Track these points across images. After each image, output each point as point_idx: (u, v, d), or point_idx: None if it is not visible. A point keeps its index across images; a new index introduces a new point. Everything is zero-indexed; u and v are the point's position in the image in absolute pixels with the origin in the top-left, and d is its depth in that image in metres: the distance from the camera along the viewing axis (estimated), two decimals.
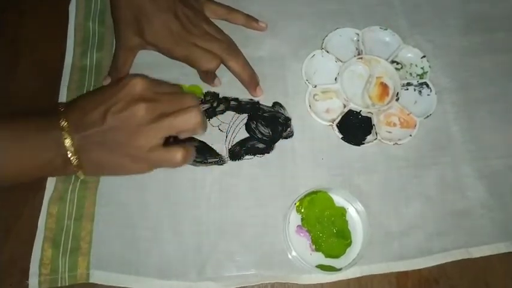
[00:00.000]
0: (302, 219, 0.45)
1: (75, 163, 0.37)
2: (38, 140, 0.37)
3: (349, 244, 0.44)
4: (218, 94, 0.50)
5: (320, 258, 0.44)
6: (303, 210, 0.45)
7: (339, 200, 0.46)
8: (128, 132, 0.37)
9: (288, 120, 0.49)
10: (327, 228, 0.44)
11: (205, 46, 0.48)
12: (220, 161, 0.47)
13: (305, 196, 0.45)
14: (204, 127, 0.40)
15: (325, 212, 0.44)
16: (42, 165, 0.38)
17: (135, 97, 0.37)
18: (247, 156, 0.48)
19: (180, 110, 0.38)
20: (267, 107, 0.50)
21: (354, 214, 0.45)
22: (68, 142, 0.36)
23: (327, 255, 0.44)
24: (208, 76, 0.50)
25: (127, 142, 0.37)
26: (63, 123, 0.36)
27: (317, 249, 0.44)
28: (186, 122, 0.38)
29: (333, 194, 0.46)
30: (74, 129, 0.36)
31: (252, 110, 0.50)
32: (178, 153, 0.38)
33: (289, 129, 0.49)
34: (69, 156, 0.37)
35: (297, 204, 0.45)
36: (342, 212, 0.45)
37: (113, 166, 0.39)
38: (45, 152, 0.37)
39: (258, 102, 0.50)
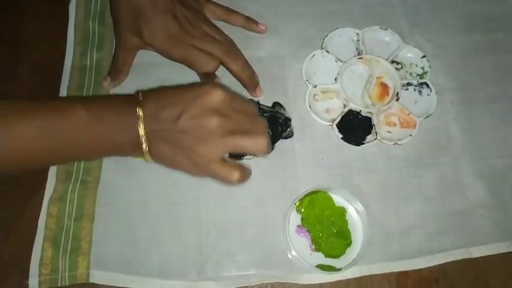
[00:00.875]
0: (302, 219, 0.45)
1: (145, 150, 0.39)
2: (114, 123, 0.38)
3: (349, 244, 0.44)
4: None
5: (320, 258, 0.44)
6: (303, 210, 0.45)
7: (339, 200, 0.46)
8: (195, 138, 0.38)
9: (288, 120, 0.49)
10: (326, 228, 0.44)
11: (204, 48, 0.48)
12: None
13: (305, 196, 0.45)
14: (267, 153, 0.41)
15: (325, 212, 0.44)
16: (113, 146, 0.39)
17: (212, 108, 0.38)
18: (247, 156, 0.48)
19: (249, 132, 0.39)
20: (267, 107, 0.50)
21: (354, 214, 0.45)
22: (141, 130, 0.38)
23: (327, 255, 0.44)
24: (208, 77, 0.50)
25: (192, 147, 0.38)
26: (140, 112, 0.38)
27: (317, 249, 0.44)
28: (252, 146, 0.39)
29: (333, 194, 0.46)
30: (148, 120, 0.38)
31: None
32: (235, 173, 0.39)
33: (289, 129, 0.49)
34: (140, 142, 0.38)
35: (297, 204, 0.45)
36: (342, 212, 0.45)
37: (174, 163, 0.40)
38: (119, 135, 0.38)
39: (258, 102, 0.50)
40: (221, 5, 0.53)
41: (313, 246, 0.44)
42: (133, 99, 0.39)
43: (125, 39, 0.49)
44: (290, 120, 0.50)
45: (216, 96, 0.38)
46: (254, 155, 0.41)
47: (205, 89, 0.39)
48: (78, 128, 0.37)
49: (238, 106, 0.40)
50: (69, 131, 0.37)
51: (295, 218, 0.45)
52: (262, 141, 0.39)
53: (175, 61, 0.49)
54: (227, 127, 0.38)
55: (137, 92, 0.39)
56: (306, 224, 0.44)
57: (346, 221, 0.45)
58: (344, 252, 0.44)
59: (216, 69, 0.49)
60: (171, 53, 0.49)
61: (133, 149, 0.39)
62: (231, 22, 0.53)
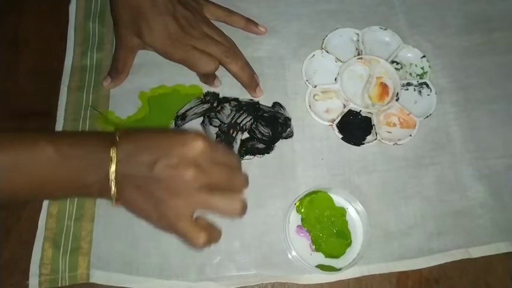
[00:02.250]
0: (302, 219, 0.45)
1: (113, 194, 0.36)
2: (83, 163, 0.36)
3: (349, 244, 0.44)
4: (218, 94, 0.50)
5: (320, 258, 0.44)
6: (303, 210, 0.45)
7: (339, 200, 0.46)
8: (168, 189, 0.36)
9: (288, 120, 0.49)
10: (326, 228, 0.44)
11: (204, 48, 0.48)
12: None
13: (305, 196, 0.45)
14: (240, 216, 0.38)
15: (325, 212, 0.44)
16: (80, 186, 0.37)
17: (189, 159, 0.36)
18: (247, 157, 0.48)
19: (225, 194, 0.37)
20: (267, 107, 0.50)
21: (354, 214, 0.45)
22: (112, 173, 0.35)
23: (327, 255, 0.44)
24: (208, 77, 0.50)
25: (162, 198, 0.36)
26: (113, 154, 0.35)
27: (317, 249, 0.44)
28: (225, 207, 0.37)
29: (332, 194, 0.46)
30: (121, 162, 0.35)
31: (252, 110, 0.50)
32: (202, 237, 0.36)
33: (289, 129, 0.49)
34: (109, 186, 0.36)
35: (297, 204, 0.45)
36: (342, 212, 0.45)
37: (141, 212, 0.38)
38: (87, 176, 0.36)
39: (257, 103, 0.50)
40: (221, 6, 0.53)
41: (313, 246, 0.44)
42: (108, 139, 0.36)
43: (125, 40, 0.49)
44: (290, 120, 0.50)
45: (195, 147, 0.36)
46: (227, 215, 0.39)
47: (186, 138, 0.36)
48: (43, 165, 0.35)
49: (220, 159, 0.37)
50: (33, 168, 0.35)
51: (295, 218, 0.45)
52: (236, 204, 0.37)
53: (175, 62, 0.49)
54: (203, 181, 0.36)
55: (114, 131, 0.37)
56: (306, 224, 0.44)
57: (346, 221, 0.45)
58: (344, 252, 0.44)
59: (215, 70, 0.49)
60: (170, 53, 0.49)
61: (101, 192, 0.36)
62: (231, 23, 0.53)
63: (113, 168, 0.35)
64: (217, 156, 0.37)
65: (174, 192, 0.36)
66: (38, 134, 0.36)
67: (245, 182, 0.39)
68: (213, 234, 0.37)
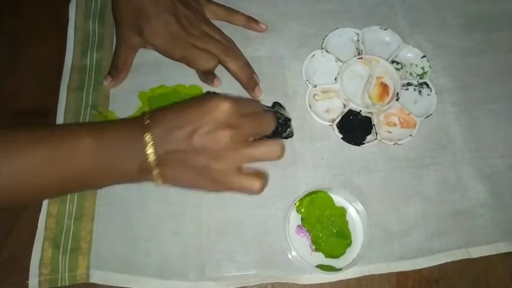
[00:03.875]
0: (302, 219, 0.45)
1: (156, 175, 0.37)
2: (122, 151, 0.37)
3: (349, 244, 0.44)
4: (218, 94, 0.50)
5: (320, 258, 0.44)
6: (303, 210, 0.45)
7: (339, 200, 0.46)
8: (210, 155, 0.37)
9: (288, 120, 0.49)
10: (327, 228, 0.44)
11: (204, 47, 0.48)
12: None
13: (305, 196, 0.45)
14: (281, 157, 0.40)
15: (325, 212, 0.44)
16: (122, 174, 0.38)
17: (222, 122, 0.37)
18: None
19: (263, 142, 0.38)
20: (267, 107, 0.50)
21: (354, 214, 0.45)
22: (151, 157, 0.36)
23: (327, 255, 0.44)
24: (208, 76, 0.50)
25: (208, 165, 0.37)
26: (148, 138, 0.36)
27: (317, 249, 0.44)
28: (267, 154, 0.38)
29: (332, 194, 0.45)
30: (158, 144, 0.36)
31: None
32: (257, 183, 0.38)
33: (289, 129, 0.49)
34: (150, 169, 0.37)
35: (297, 204, 0.45)
36: (342, 212, 0.45)
37: (192, 184, 0.39)
38: (128, 163, 0.37)
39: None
40: (222, 5, 0.53)
41: (313, 246, 0.44)
42: (139, 124, 0.37)
43: (126, 38, 0.49)
44: (290, 120, 0.49)
45: (224, 110, 0.37)
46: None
47: (212, 104, 0.37)
48: (84, 158, 0.36)
49: (245, 110, 0.39)
50: (75, 161, 0.36)
51: (295, 218, 0.45)
52: (275, 150, 0.38)
53: (175, 60, 0.50)
54: (240, 138, 0.37)
55: (142, 115, 0.38)
56: (306, 224, 0.44)
57: (347, 221, 0.45)
58: (344, 252, 0.44)
59: (214, 68, 0.49)
60: (171, 52, 0.49)
61: (144, 175, 0.38)
62: (231, 22, 0.53)
63: (150, 151, 0.36)
64: (242, 109, 0.39)
65: (217, 157, 0.37)
66: (76, 126, 0.39)
67: (272, 121, 0.41)
68: (263, 178, 0.39)
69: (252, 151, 0.38)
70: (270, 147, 0.38)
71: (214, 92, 0.50)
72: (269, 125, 0.40)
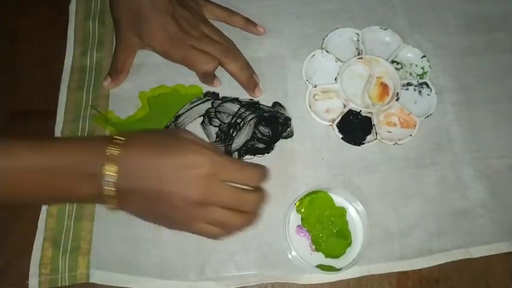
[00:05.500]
0: (302, 219, 0.45)
1: (113, 207, 0.35)
2: (78, 174, 0.34)
3: (349, 244, 0.44)
4: (218, 94, 0.50)
5: (320, 258, 0.44)
6: (303, 210, 0.45)
7: (339, 200, 0.46)
8: (173, 207, 0.35)
9: (288, 120, 0.49)
10: (327, 228, 0.44)
11: (203, 48, 0.48)
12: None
13: (305, 196, 0.45)
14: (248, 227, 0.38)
15: (325, 212, 0.44)
16: (74, 197, 0.36)
17: (195, 185, 0.34)
18: (247, 156, 0.48)
19: (237, 214, 0.36)
20: (267, 107, 0.50)
21: (354, 214, 0.45)
22: (110, 191, 0.34)
23: (327, 255, 0.44)
24: (207, 77, 0.50)
25: (169, 215, 0.36)
26: (111, 170, 0.33)
27: (317, 249, 0.44)
28: (230, 225, 0.37)
29: (332, 194, 0.45)
30: (122, 179, 0.34)
31: (252, 110, 0.50)
32: (214, 229, 0.36)
33: (289, 129, 0.49)
34: (106, 200, 0.35)
35: (297, 204, 0.45)
36: (342, 212, 0.45)
37: (150, 219, 0.39)
38: (84, 187, 0.34)
39: (257, 102, 0.50)
40: (220, 6, 0.53)
41: (313, 246, 0.44)
42: (103, 150, 0.34)
43: (125, 39, 0.49)
44: (290, 120, 0.49)
45: (202, 172, 0.34)
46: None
47: (192, 161, 0.34)
48: (35, 174, 0.33)
49: (229, 177, 0.36)
50: (25, 176, 0.33)
51: (295, 218, 0.45)
52: (240, 221, 0.37)
53: (175, 62, 0.50)
54: (211, 204, 0.35)
55: (110, 140, 0.34)
56: (306, 224, 0.44)
57: (347, 221, 0.45)
58: (344, 252, 0.44)
59: (214, 69, 0.49)
60: (170, 53, 0.49)
61: (98, 201, 0.35)
62: (230, 23, 0.53)
63: (109, 184, 0.33)
64: (227, 175, 0.36)
65: (180, 212, 0.35)
66: (28, 142, 0.34)
67: (258, 200, 0.38)
68: (229, 224, 0.37)
69: (220, 215, 0.35)
70: (234, 219, 0.36)
71: (214, 92, 0.50)
72: (251, 205, 0.37)
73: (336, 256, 0.44)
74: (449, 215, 0.46)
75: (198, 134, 0.41)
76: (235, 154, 0.48)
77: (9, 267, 0.43)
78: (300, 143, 0.49)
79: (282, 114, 0.50)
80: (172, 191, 0.34)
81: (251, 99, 0.50)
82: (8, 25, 0.53)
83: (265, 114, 0.50)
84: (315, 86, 0.51)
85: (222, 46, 0.49)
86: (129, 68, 0.51)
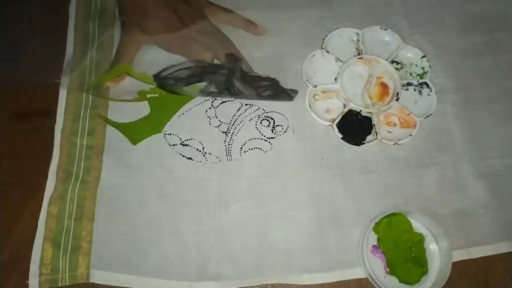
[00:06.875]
0: (378, 240, 0.44)
1: None
2: None
3: (425, 272, 0.43)
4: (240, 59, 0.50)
5: (394, 282, 0.42)
6: (379, 229, 0.44)
7: (417, 225, 0.44)
8: None
9: (236, 60, 0.49)
10: (403, 253, 0.43)
11: (202, 40, 0.49)
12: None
13: (383, 217, 0.44)
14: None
15: (402, 236, 0.43)
16: None
17: None
18: (248, 151, 0.48)
19: None
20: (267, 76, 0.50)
21: (433, 246, 0.44)
22: None
23: (401, 280, 0.42)
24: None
25: None
26: None
27: (391, 273, 0.43)
28: None
29: (412, 219, 0.45)
30: None
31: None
32: None
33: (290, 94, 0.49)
34: None
35: (375, 224, 0.44)
36: (420, 238, 0.44)
37: None
38: None
39: (259, 76, 0.50)
40: (222, 7, 0.54)
41: (387, 269, 0.43)
42: None
43: (130, 35, 0.50)
44: (240, 60, 0.49)
45: None
46: None
47: None
48: None
49: None
50: None
51: (372, 238, 0.44)
52: None
53: (174, 53, 0.50)
54: None
55: None
56: (382, 245, 0.43)
57: (424, 249, 0.43)
58: (419, 280, 0.42)
59: (211, 60, 0.49)
60: (170, 45, 0.50)
61: None
62: (231, 23, 0.54)
63: None
64: None
65: None
66: None
67: None
68: None
69: None
70: None
71: (213, 92, 0.50)
72: None
73: (410, 283, 0.42)
74: (449, 215, 0.46)
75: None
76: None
77: (9, 267, 0.43)
78: (299, 143, 0.49)
79: (233, 69, 0.49)
80: None
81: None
82: (8, 24, 0.53)
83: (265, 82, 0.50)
84: (315, 86, 0.51)
85: (220, 41, 0.50)
86: (131, 63, 0.51)
